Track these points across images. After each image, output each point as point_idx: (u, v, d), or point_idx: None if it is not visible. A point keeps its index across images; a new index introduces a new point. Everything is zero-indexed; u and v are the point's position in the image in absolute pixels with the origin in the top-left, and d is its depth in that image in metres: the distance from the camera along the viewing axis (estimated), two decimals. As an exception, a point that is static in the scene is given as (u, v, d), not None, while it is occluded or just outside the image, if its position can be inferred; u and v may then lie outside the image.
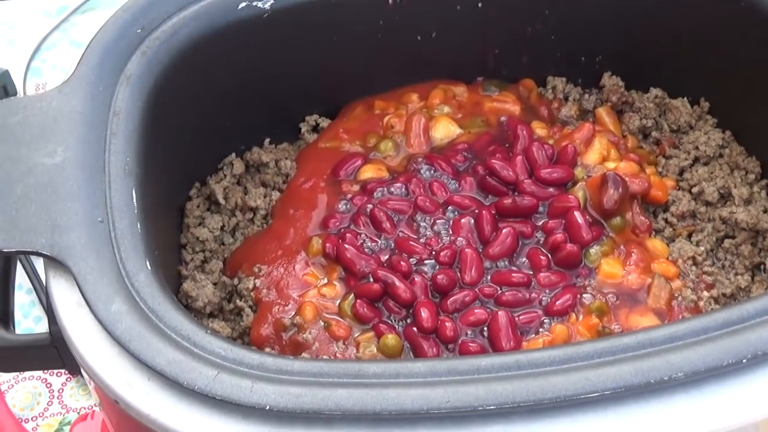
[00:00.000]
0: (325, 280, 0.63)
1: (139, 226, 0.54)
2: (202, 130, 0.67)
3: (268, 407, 0.46)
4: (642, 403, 0.47)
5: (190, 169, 0.69)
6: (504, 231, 0.64)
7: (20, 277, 0.80)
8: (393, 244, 0.64)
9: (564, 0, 0.70)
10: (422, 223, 0.65)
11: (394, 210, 0.65)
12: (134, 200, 0.55)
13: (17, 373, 0.77)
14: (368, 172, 0.68)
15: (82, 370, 0.52)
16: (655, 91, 0.74)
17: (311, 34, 0.68)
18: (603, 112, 0.74)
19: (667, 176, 0.71)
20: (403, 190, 0.67)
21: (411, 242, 0.64)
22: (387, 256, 0.63)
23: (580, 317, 0.61)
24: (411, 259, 0.63)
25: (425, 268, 0.62)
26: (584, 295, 0.62)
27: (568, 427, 0.47)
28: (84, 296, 0.50)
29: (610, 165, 0.68)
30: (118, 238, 0.53)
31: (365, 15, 0.68)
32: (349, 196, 0.67)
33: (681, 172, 0.71)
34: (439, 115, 0.72)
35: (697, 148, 0.71)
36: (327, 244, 0.64)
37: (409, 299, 0.60)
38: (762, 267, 0.66)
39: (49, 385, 0.77)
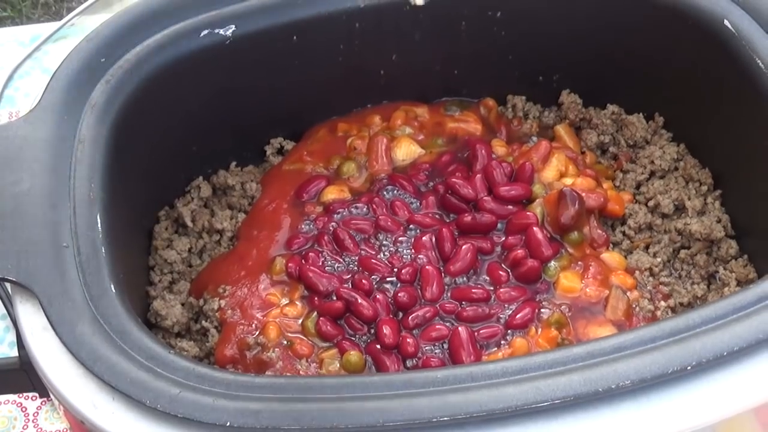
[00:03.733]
0: (288, 300, 0.64)
1: (103, 251, 0.55)
2: (169, 155, 0.69)
3: (228, 424, 0.48)
4: (591, 411, 0.49)
5: (157, 193, 0.70)
6: (463, 248, 0.65)
7: (-6, 303, 0.81)
8: (356, 263, 0.65)
9: (518, 22, 0.71)
10: (384, 242, 0.66)
11: (356, 230, 0.67)
12: (99, 225, 0.56)
13: (-8, 398, 0.78)
14: (331, 194, 0.70)
15: (49, 393, 0.53)
16: (612, 108, 0.76)
17: (273, 59, 0.69)
18: (561, 129, 0.75)
19: (625, 190, 0.73)
20: (365, 210, 0.68)
21: (373, 260, 0.65)
22: (349, 275, 0.65)
23: (540, 330, 0.62)
24: (373, 277, 0.64)
25: (387, 286, 0.64)
26: (543, 310, 0.63)
27: (520, 436, 0.48)
28: (49, 320, 0.52)
29: (568, 181, 0.70)
30: (82, 262, 0.54)
31: (326, 40, 0.70)
32: (312, 216, 0.68)
33: (638, 186, 0.73)
34: (401, 136, 0.74)
35: (652, 162, 0.73)
36: (290, 264, 0.65)
37: (371, 316, 0.62)
38: (716, 276, 0.68)
39: (24, 409, 0.78)
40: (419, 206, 0.69)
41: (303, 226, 0.68)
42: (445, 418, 0.48)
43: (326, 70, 0.72)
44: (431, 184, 0.70)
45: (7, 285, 0.55)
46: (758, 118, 0.64)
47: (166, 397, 0.49)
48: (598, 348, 0.50)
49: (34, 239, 0.54)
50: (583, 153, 0.75)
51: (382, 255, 0.66)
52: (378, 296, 0.63)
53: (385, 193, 0.70)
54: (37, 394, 0.76)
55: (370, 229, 0.67)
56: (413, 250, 0.66)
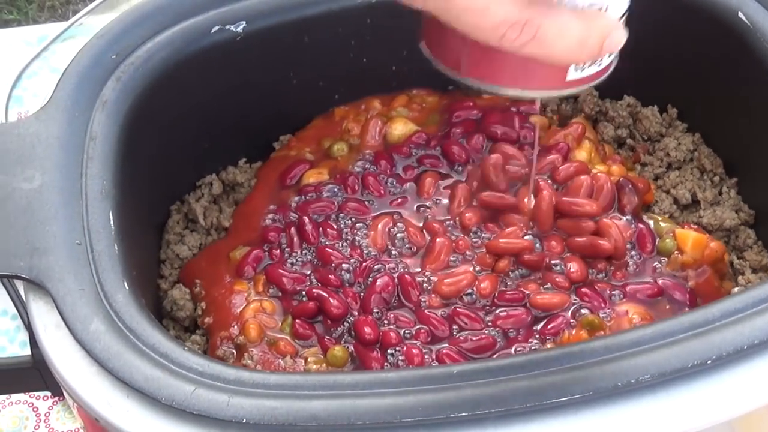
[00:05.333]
0: (254, 291, 0.63)
1: (116, 247, 0.55)
2: (180, 152, 0.68)
3: (244, 420, 0.47)
4: (611, 406, 0.48)
5: (168, 189, 0.70)
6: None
7: (5, 303, 0.81)
8: (316, 254, 0.64)
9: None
10: (344, 222, 0.66)
11: (315, 212, 0.66)
12: (111, 222, 0.56)
13: (3, 398, 0.77)
14: (310, 178, 0.69)
15: (63, 391, 0.53)
16: (628, 99, 0.75)
17: (284, 55, 0.69)
18: (579, 121, 0.75)
19: (646, 182, 0.72)
20: (336, 190, 0.67)
21: (330, 250, 0.64)
22: (312, 270, 0.64)
23: (573, 331, 0.60)
24: (344, 266, 0.63)
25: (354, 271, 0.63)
26: (582, 310, 0.60)
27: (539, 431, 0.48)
28: (63, 317, 0.51)
29: (599, 167, 0.69)
30: (95, 259, 0.54)
31: (337, 35, 0.70)
32: (272, 207, 0.67)
33: (656, 179, 0.73)
34: (396, 116, 0.72)
35: (668, 154, 0.73)
36: (246, 260, 0.64)
37: (341, 314, 0.61)
38: (733, 265, 0.67)
39: (35, 409, 0.77)
40: (395, 183, 0.68)
41: (266, 220, 0.67)
42: (463, 414, 0.47)
43: (337, 67, 0.71)
44: (417, 152, 0.69)
45: (20, 283, 0.55)
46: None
47: (181, 395, 0.48)
48: (616, 342, 0.50)
49: (47, 236, 0.54)
50: (601, 145, 0.74)
51: (342, 241, 0.64)
52: (348, 289, 0.62)
53: (356, 168, 0.69)
54: (48, 394, 0.76)
55: (331, 209, 0.66)
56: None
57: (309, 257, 0.64)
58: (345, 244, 0.65)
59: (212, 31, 0.65)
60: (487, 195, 0.66)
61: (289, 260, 0.64)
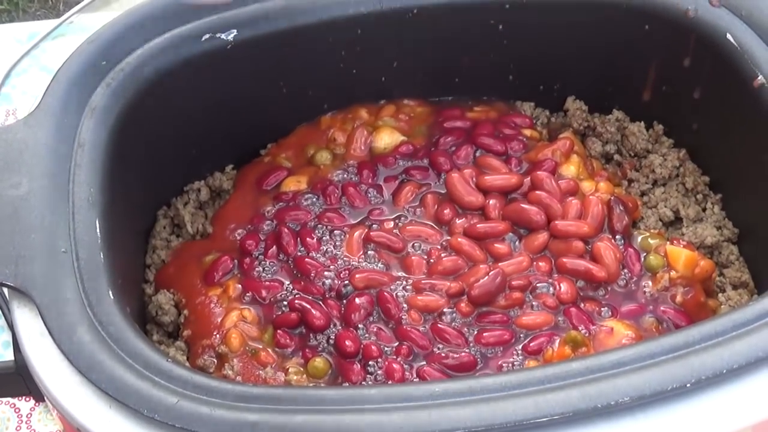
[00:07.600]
0: (225, 295, 0.63)
1: (102, 256, 0.55)
2: (168, 158, 0.68)
3: (226, 435, 0.48)
4: (590, 427, 0.48)
5: (155, 195, 0.70)
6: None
7: (-11, 303, 0.80)
8: (293, 264, 0.64)
9: (519, 32, 0.71)
10: (321, 231, 0.66)
11: (292, 221, 0.66)
12: (98, 230, 0.56)
13: (-15, 399, 0.77)
14: (290, 185, 0.69)
15: (45, 398, 0.53)
16: (617, 114, 0.75)
17: (274, 64, 0.69)
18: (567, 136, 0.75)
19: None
20: (314, 199, 0.68)
21: (308, 260, 0.64)
22: (293, 277, 0.64)
23: (556, 347, 0.60)
24: (326, 273, 0.63)
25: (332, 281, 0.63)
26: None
27: (518, 451, 0.48)
28: (46, 326, 0.52)
29: (586, 184, 0.69)
30: (81, 268, 0.54)
31: (327, 45, 0.70)
32: (247, 217, 0.68)
33: (642, 195, 0.73)
34: (382, 125, 0.72)
35: (653, 171, 0.73)
36: (216, 266, 0.64)
37: (323, 326, 0.61)
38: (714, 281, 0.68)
39: (17, 410, 0.77)
40: (375, 193, 0.68)
41: (236, 234, 0.67)
42: (444, 433, 0.48)
43: (326, 76, 0.72)
44: (404, 163, 0.70)
45: (5, 290, 0.55)
46: (759, 131, 0.65)
47: (164, 407, 0.48)
48: (597, 363, 0.50)
49: (33, 244, 0.54)
50: (588, 160, 0.74)
51: (322, 252, 0.65)
52: (329, 301, 0.62)
53: (334, 177, 0.69)
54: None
55: (306, 218, 0.66)
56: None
57: (277, 266, 0.64)
58: (319, 254, 0.65)
59: (203, 39, 0.65)
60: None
61: (257, 268, 0.64)
